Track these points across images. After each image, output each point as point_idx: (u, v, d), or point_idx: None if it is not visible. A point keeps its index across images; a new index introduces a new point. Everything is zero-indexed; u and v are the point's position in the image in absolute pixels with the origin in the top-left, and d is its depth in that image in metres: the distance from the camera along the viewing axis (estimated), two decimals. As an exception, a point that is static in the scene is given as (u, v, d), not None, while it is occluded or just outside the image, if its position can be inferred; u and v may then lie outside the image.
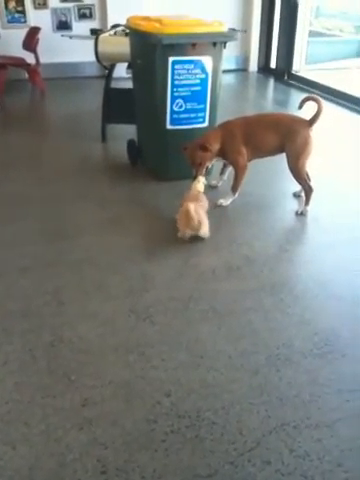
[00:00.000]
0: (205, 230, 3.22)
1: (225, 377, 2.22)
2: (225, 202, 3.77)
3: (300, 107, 3.66)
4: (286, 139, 3.63)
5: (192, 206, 3.12)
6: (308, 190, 3.70)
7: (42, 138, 5.41)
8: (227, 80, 8.00)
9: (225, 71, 8.66)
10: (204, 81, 4.00)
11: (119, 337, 2.45)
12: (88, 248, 3.23)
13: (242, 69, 8.45)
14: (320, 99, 3.59)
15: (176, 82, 3.91)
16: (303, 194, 3.83)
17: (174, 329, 2.51)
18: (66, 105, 6.56)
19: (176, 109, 4.00)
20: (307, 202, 3.72)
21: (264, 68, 8.31)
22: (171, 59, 3.80)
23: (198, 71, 3.95)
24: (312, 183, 3.68)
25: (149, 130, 4.26)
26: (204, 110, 4.11)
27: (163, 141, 4.13)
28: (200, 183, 3.55)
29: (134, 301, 2.70)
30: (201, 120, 4.13)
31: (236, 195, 3.77)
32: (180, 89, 3.95)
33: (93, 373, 2.24)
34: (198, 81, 3.98)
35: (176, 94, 3.96)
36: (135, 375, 2.23)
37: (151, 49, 3.78)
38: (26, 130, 5.59)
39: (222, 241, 3.30)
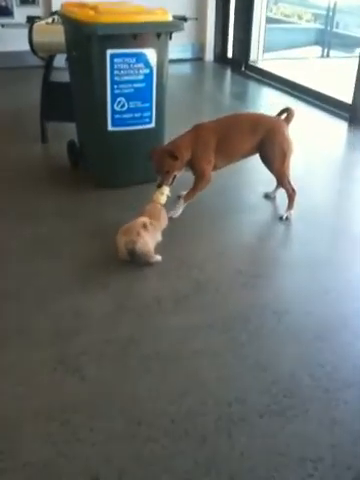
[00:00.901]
0: (150, 258, 2.82)
1: (165, 450, 1.83)
2: (175, 213, 3.35)
3: (280, 115, 3.47)
4: (265, 140, 3.32)
5: (122, 238, 2.78)
6: (292, 193, 3.42)
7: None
8: (182, 70, 7.59)
9: (180, 61, 8.39)
10: (148, 77, 3.56)
11: (40, 399, 2.02)
12: (7, 278, 2.75)
13: (198, 58, 7.99)
14: (292, 109, 3.46)
15: (116, 78, 3.46)
16: (276, 194, 3.64)
17: (108, 385, 2.09)
18: (4, 99, 5.97)
19: (118, 109, 3.55)
20: (291, 205, 3.44)
21: (220, 57, 7.88)
22: (109, 52, 3.35)
23: (141, 65, 3.50)
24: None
25: (89, 132, 3.80)
26: (150, 109, 3.67)
27: (105, 145, 3.68)
28: (164, 195, 3.13)
29: (62, 348, 2.26)
30: (147, 120, 3.70)
31: (185, 205, 3.37)
32: (121, 86, 3.50)
33: (4, 451, 1.81)
34: (141, 77, 3.54)
35: (117, 92, 3.50)
36: (56, 452, 1.81)
37: (85, 40, 3.31)
38: None
39: (170, 263, 2.89)
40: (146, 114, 3.66)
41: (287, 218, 3.43)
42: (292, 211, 3.45)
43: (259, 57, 7.51)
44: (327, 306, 2.61)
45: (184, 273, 2.82)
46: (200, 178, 3.32)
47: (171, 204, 3.28)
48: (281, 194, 3.54)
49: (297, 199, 3.44)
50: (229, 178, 3.83)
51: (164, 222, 3.02)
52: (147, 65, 3.51)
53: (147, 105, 3.64)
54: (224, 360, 2.23)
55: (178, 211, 3.35)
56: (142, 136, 3.70)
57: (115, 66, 3.41)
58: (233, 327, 2.42)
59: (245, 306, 2.59)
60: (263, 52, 7.58)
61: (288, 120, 3.43)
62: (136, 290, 2.69)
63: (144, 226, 2.77)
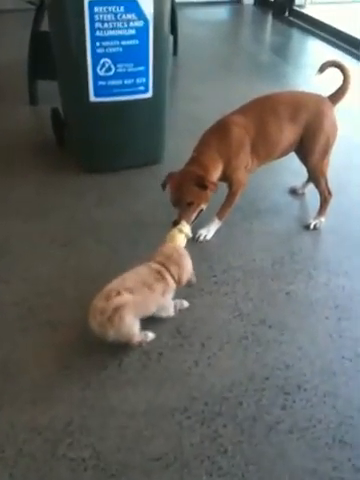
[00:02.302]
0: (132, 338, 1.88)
1: None
2: (208, 234, 2.53)
3: (321, 71, 2.56)
4: (308, 128, 2.49)
5: (95, 312, 1.81)
6: (328, 196, 2.62)
7: None
8: (214, 16, 6.58)
9: (213, 4, 7.33)
10: (142, 31, 2.71)
11: None
12: None
13: (235, 1, 6.91)
14: (346, 67, 2.53)
15: (98, 33, 2.63)
16: (306, 189, 2.86)
17: None
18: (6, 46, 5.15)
19: (102, 73, 2.74)
20: (323, 211, 2.64)
21: (261, 1, 6.77)
22: (87, -2, 2.52)
23: (132, 16, 2.65)
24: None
25: (70, 101, 3.00)
26: (145, 74, 2.83)
27: (87, 120, 2.89)
28: (182, 235, 2.24)
29: None
30: (142, 89, 2.87)
31: (221, 223, 2.55)
32: (106, 44, 2.67)
33: None
34: (133, 32, 2.69)
35: (100, 51, 2.68)
36: None
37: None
38: None
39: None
40: (140, 80, 2.83)
41: (316, 227, 2.62)
42: (323, 219, 2.63)
43: (306, 2, 6.37)
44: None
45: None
46: (236, 190, 2.50)
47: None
48: (313, 190, 2.69)
49: (332, 203, 2.60)
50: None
51: (184, 273, 1.98)
52: (140, 15, 2.66)
53: (141, 69, 2.81)
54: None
55: (211, 232, 2.53)
56: (135, 109, 2.89)
57: (96, 17, 2.58)
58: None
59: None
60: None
61: (338, 96, 2.54)
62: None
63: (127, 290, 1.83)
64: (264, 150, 2.49)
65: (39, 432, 1.62)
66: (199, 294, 2.19)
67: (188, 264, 2.01)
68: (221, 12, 6.69)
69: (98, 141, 2.94)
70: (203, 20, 6.27)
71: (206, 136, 2.45)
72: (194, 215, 2.36)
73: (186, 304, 2.10)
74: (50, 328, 1.99)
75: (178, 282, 1.96)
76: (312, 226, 2.62)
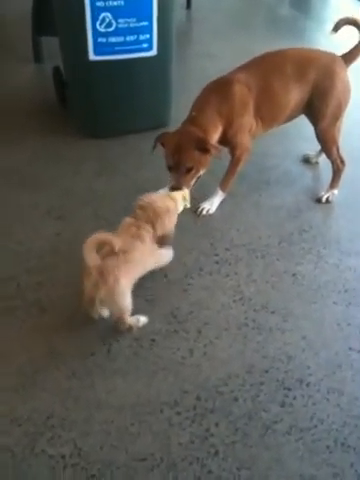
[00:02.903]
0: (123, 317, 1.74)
1: None
2: (212, 207, 2.35)
3: (335, 30, 2.34)
4: (318, 89, 2.27)
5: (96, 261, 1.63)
6: (340, 165, 2.42)
7: None
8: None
9: None
10: (146, -18, 2.47)
11: None
12: None
13: None
14: None
15: (97, -15, 2.40)
16: (320, 158, 2.67)
17: None
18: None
19: (102, 29, 2.52)
20: (335, 183, 2.46)
21: None
22: None
23: (134, -35, 2.41)
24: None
25: (69, 60, 2.79)
26: (149, 30, 2.61)
27: (86, 79, 2.71)
28: (179, 201, 1.98)
29: None
30: (146, 46, 2.66)
31: (225, 194, 2.37)
32: (106, -4, 2.44)
33: None
34: (135, -17, 2.45)
35: (100, 5, 2.46)
36: None
37: None
38: None
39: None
40: (143, 37, 2.62)
41: (328, 200, 2.44)
42: (336, 191, 2.45)
43: None
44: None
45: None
46: (239, 155, 2.29)
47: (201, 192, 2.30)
48: (326, 160, 2.49)
49: (346, 174, 2.41)
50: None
51: (163, 228, 1.84)
52: (143, -36, 2.42)
53: (145, 24, 2.58)
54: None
55: (214, 205, 2.35)
56: (138, 68, 2.69)
57: (94, -34, 2.35)
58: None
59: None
60: None
61: (354, 54, 2.32)
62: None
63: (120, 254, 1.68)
64: (269, 112, 2.29)
65: (19, 424, 1.52)
66: (198, 274, 2.04)
67: (168, 219, 1.85)
68: None
69: (99, 103, 2.76)
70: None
71: (205, 94, 2.24)
72: (193, 181, 2.17)
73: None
74: (38, 309, 1.87)
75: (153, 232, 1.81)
76: (324, 199, 2.44)
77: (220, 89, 2.20)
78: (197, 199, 2.36)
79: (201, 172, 2.18)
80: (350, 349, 1.78)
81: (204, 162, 2.14)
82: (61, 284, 1.97)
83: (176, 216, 1.92)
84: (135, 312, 1.77)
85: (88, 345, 1.75)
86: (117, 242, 1.66)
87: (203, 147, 2.08)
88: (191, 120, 2.18)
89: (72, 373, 1.66)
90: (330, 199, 2.44)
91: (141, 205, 1.85)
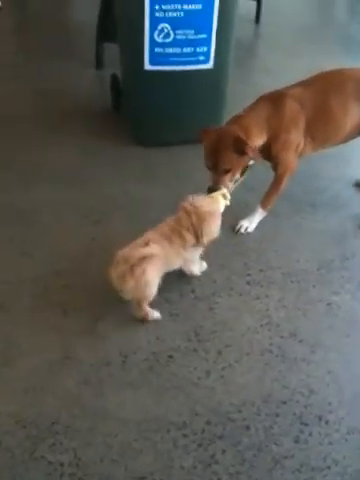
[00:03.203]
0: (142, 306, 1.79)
1: None
2: (250, 225, 2.29)
3: None
4: None
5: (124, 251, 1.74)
6: None
7: (28, 57, 4.04)
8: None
9: None
10: (207, -5, 2.45)
11: None
12: None
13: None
14: None
15: (158, -5, 2.40)
16: None
17: None
18: (88, 5, 5.00)
19: (159, 40, 2.52)
20: None
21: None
22: None
23: (196, -23, 2.40)
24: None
25: (126, 68, 2.81)
26: (207, 43, 2.59)
27: (141, 88, 2.71)
28: (223, 200, 1.97)
29: None
30: (203, 59, 2.64)
31: (265, 213, 2.29)
32: (166, 7, 2.45)
33: None
34: (197, -5, 2.44)
35: (159, 15, 2.46)
36: None
37: None
38: (8, 44, 4.26)
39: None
40: (201, 49, 2.59)
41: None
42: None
43: None
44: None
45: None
46: (282, 173, 2.20)
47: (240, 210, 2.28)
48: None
49: None
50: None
51: (209, 233, 1.85)
52: (205, -24, 2.40)
53: (203, 37, 2.56)
54: None
55: (253, 224, 2.28)
56: (193, 80, 2.67)
57: (155, -24, 2.36)
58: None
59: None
60: None
61: None
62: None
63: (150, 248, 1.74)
64: (322, 132, 2.19)
65: (24, 426, 1.51)
66: (227, 294, 1.98)
67: (214, 223, 1.85)
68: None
69: (150, 112, 2.75)
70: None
71: (258, 102, 2.17)
72: (231, 182, 2.09)
73: (205, 266, 1.99)
74: (61, 312, 1.87)
75: (196, 237, 1.83)
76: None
77: (273, 101, 2.14)
78: (237, 217, 2.30)
79: (238, 175, 2.11)
80: (379, 390, 1.66)
81: (244, 162, 2.06)
82: (87, 290, 1.96)
83: (220, 219, 1.89)
84: (158, 326, 1.74)
85: (105, 354, 1.73)
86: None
87: (241, 148, 2.00)
88: (236, 119, 2.12)
89: (84, 380, 1.64)
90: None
91: (186, 208, 1.84)
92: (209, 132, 2.08)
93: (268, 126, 2.09)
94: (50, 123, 3.05)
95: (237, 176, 2.11)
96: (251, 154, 2.02)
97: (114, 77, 3.14)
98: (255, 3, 4.62)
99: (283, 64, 3.89)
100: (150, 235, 1.80)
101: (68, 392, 1.61)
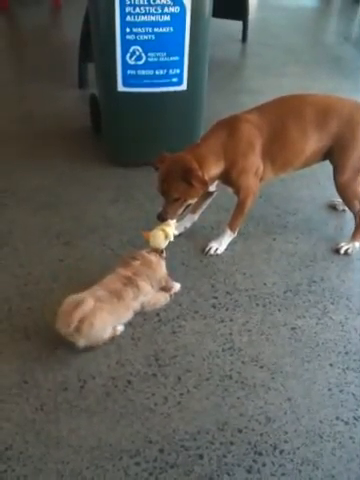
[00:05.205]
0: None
1: None
2: (220, 247, 2.29)
3: None
4: (339, 139, 2.17)
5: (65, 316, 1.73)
6: None
7: (12, 78, 4.09)
8: (297, 1, 6.13)
9: None
10: (178, 18, 2.48)
11: None
12: None
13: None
14: None
15: (129, 18, 2.43)
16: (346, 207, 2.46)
17: None
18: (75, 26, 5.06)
19: (132, 62, 2.54)
20: (358, 235, 2.34)
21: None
22: (116, -21, 2.33)
23: (167, 1, 2.43)
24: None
25: (101, 89, 2.83)
26: (180, 65, 2.61)
27: (114, 110, 2.73)
28: (164, 234, 2.00)
29: None
30: (176, 81, 2.66)
31: (235, 234, 2.31)
32: (136, 30, 2.47)
33: None
34: (167, 18, 2.47)
35: (130, 38, 2.48)
36: None
37: None
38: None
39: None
40: (174, 71, 2.62)
41: (347, 252, 2.32)
42: (358, 244, 2.32)
43: None
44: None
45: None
46: (243, 198, 2.21)
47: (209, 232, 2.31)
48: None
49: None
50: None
51: (158, 277, 1.94)
52: (176, 0, 2.42)
53: (176, 59, 2.59)
54: None
55: (223, 245, 2.29)
56: (167, 102, 2.69)
57: (127, 1, 2.38)
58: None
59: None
60: None
61: None
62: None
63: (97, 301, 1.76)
64: (281, 156, 2.19)
65: (-25, 453, 1.50)
66: (191, 317, 1.97)
67: (160, 270, 1.94)
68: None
69: (126, 133, 2.78)
70: (283, 5, 5.87)
71: (214, 128, 2.17)
72: (180, 210, 2.10)
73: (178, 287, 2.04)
74: (23, 336, 1.86)
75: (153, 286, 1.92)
76: (342, 251, 2.32)
77: (228, 126, 2.14)
78: (209, 238, 2.31)
79: (190, 201, 2.11)
80: (337, 419, 1.64)
81: (192, 193, 2.06)
82: (51, 313, 1.94)
83: (162, 266, 1.96)
84: (119, 349, 1.74)
85: (63, 379, 1.72)
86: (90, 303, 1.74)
87: (188, 179, 2.00)
88: (192, 148, 2.12)
89: (40, 406, 1.63)
90: (349, 252, 2.32)
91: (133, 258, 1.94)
92: (164, 159, 2.09)
93: (225, 152, 2.09)
94: (30, 145, 3.07)
95: (188, 203, 2.10)
96: (198, 186, 2.02)
97: (93, 97, 3.16)
98: (241, 23, 4.67)
99: (268, 84, 3.92)
100: (98, 291, 1.80)
101: (24, 417, 1.59)
